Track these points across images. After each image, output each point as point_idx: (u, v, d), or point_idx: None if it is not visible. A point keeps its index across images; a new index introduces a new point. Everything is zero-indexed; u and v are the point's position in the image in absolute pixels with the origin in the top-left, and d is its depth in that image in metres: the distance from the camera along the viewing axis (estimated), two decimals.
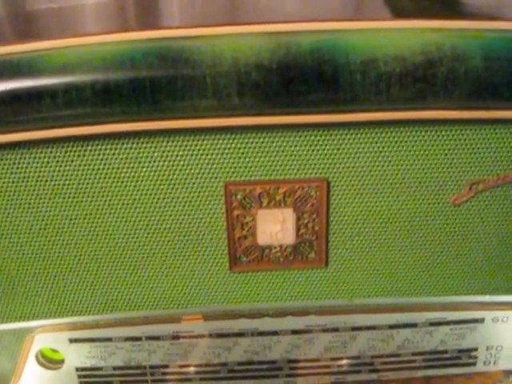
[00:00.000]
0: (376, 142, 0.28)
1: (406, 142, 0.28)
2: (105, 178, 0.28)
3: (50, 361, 0.34)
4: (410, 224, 0.30)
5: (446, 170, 0.29)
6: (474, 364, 0.35)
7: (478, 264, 0.32)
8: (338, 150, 0.28)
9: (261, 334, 0.33)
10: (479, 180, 0.29)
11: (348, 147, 0.28)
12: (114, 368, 0.34)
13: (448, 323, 0.33)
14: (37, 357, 0.33)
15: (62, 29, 0.37)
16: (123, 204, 0.29)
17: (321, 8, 0.34)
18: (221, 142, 0.28)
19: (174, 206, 0.29)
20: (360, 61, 0.25)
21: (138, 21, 0.38)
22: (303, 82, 0.25)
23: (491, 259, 0.32)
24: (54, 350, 0.33)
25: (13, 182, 0.28)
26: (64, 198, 0.28)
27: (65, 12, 0.41)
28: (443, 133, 0.28)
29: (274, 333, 0.33)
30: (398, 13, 0.32)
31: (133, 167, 0.28)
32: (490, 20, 0.27)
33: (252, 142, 0.28)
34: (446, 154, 0.29)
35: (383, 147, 0.28)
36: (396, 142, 0.28)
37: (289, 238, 0.30)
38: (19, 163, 0.28)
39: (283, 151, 0.28)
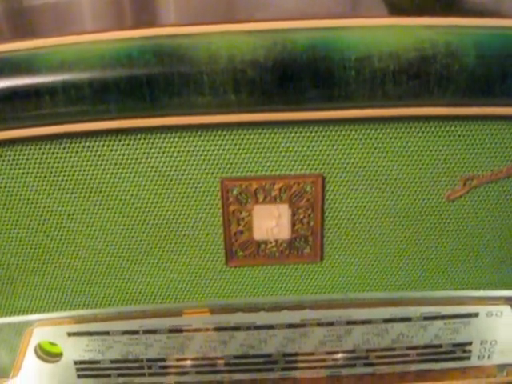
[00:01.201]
0: (370, 139, 0.28)
1: (400, 138, 0.28)
2: (102, 174, 0.28)
3: (48, 354, 0.34)
4: (405, 219, 0.31)
5: (440, 166, 0.29)
6: (469, 358, 0.35)
7: (473, 259, 0.32)
8: (333, 146, 0.28)
9: (257, 327, 0.33)
10: (473, 175, 0.29)
11: (343, 143, 0.28)
12: (112, 361, 0.34)
13: (442, 317, 0.34)
14: (35, 350, 0.33)
15: (60, 24, 0.37)
16: (120, 200, 0.29)
17: (316, 5, 0.34)
18: (217, 138, 0.28)
19: (171, 202, 0.29)
20: (354, 57, 0.25)
21: (134, 16, 0.38)
22: (298, 78, 0.25)
23: (485, 254, 0.32)
24: (52, 344, 0.34)
25: (12, 178, 0.28)
26: (62, 193, 0.29)
27: (62, 7, 0.41)
28: (437, 129, 0.28)
29: (270, 327, 0.33)
30: (393, 10, 0.32)
31: (130, 163, 0.28)
32: (484, 17, 0.27)
33: (248, 139, 0.28)
34: (441, 150, 0.29)
35: (378, 143, 0.28)
36: (390, 138, 0.28)
37: (284, 233, 0.31)
38: (18, 159, 0.28)
39: (279, 147, 0.28)
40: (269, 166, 0.29)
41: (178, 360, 0.34)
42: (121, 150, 0.28)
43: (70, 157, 0.28)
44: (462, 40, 0.25)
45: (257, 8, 0.35)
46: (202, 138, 0.28)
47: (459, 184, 0.30)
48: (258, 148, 0.28)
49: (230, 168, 0.29)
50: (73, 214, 0.29)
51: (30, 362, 0.34)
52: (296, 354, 0.34)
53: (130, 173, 0.28)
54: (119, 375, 0.34)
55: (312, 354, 0.34)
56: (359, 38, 0.25)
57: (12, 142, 0.27)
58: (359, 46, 0.25)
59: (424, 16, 0.27)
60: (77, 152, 0.28)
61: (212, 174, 0.29)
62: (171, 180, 0.29)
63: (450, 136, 0.29)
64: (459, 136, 0.29)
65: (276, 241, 0.31)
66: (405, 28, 0.26)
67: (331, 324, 0.33)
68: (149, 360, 0.34)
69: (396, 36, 0.25)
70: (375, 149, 0.29)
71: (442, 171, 0.29)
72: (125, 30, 0.26)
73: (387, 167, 0.29)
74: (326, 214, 0.30)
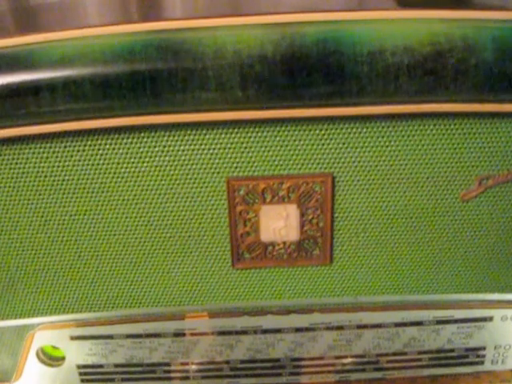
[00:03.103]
0: (383, 136, 0.27)
1: (413, 135, 0.28)
2: (105, 173, 0.28)
3: (50, 358, 0.34)
4: (417, 220, 0.30)
5: (454, 165, 0.28)
6: (482, 363, 0.34)
7: (487, 261, 0.31)
8: (344, 144, 0.28)
9: (264, 331, 0.32)
10: (489, 175, 0.29)
11: (354, 141, 0.28)
12: (116, 365, 0.33)
13: (455, 321, 0.33)
14: (37, 354, 0.33)
15: (65, 23, 0.37)
16: (124, 200, 0.28)
17: (322, 2, 0.33)
18: (223, 136, 0.27)
19: (176, 202, 0.29)
20: (367, 52, 0.24)
21: (140, 12, 0.37)
22: (308, 74, 0.24)
23: (500, 256, 0.31)
24: (54, 347, 0.33)
25: (12, 178, 0.28)
26: (64, 193, 0.28)
27: (67, 6, 0.41)
28: (452, 126, 0.27)
29: (278, 331, 0.33)
30: (406, 2, 0.31)
31: (133, 162, 0.27)
32: (502, 10, 0.26)
33: (255, 136, 0.27)
34: (455, 149, 0.28)
35: (390, 141, 0.28)
36: (403, 135, 0.28)
37: (293, 235, 0.30)
38: (18, 158, 0.27)
39: (287, 145, 0.28)
40: (276, 165, 0.28)
41: (183, 364, 0.33)
42: (123, 148, 0.27)
43: (72, 156, 0.27)
44: (479, 34, 0.24)
45: (263, 5, 0.34)
46: (207, 135, 0.27)
47: (474, 184, 0.29)
48: (266, 146, 0.27)
49: (236, 167, 0.28)
50: (74, 215, 0.29)
51: (32, 365, 0.33)
52: (304, 359, 0.34)
53: (133, 172, 0.28)
54: (123, 380, 0.34)
55: (321, 358, 0.34)
56: (372, 31, 0.24)
57: (11, 140, 0.27)
58: (372, 39, 0.24)
59: (439, 8, 0.26)
60: (78, 151, 0.27)
61: (218, 173, 0.28)
62: (175, 180, 0.28)
63: (465, 134, 0.28)
64: (475, 134, 0.28)
65: (284, 242, 0.30)
66: (419, 21, 0.25)
67: (341, 328, 0.33)
68: (153, 364, 0.33)
69: (410, 29, 0.25)
70: (387, 147, 0.28)
71: (456, 170, 0.28)
72: (127, 24, 0.25)
73: (399, 166, 0.28)
74: (336, 215, 0.29)
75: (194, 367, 0.34)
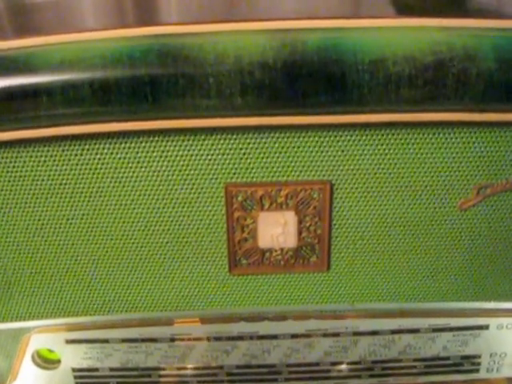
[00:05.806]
0: (382, 144, 0.27)
1: (412, 144, 0.27)
2: (102, 177, 0.27)
3: (46, 361, 0.33)
4: (415, 228, 0.30)
5: (453, 174, 0.28)
6: (477, 371, 0.34)
7: (484, 270, 0.31)
8: (343, 151, 0.27)
9: (260, 337, 0.32)
10: (487, 184, 0.29)
11: (353, 149, 0.27)
12: (111, 369, 0.33)
13: (451, 329, 0.33)
14: (33, 357, 0.33)
15: (61, 22, 0.36)
16: (121, 205, 0.28)
17: (324, 4, 0.33)
18: (222, 142, 0.27)
19: (173, 208, 0.28)
20: (368, 60, 0.24)
21: (137, 14, 0.37)
22: (309, 81, 0.24)
23: (497, 265, 0.31)
24: (50, 350, 0.33)
25: (9, 181, 0.27)
26: (61, 197, 0.28)
27: (63, 5, 0.40)
28: (451, 135, 0.27)
29: (274, 337, 0.32)
30: (407, 10, 0.31)
31: (131, 167, 0.27)
32: (503, 19, 0.26)
33: (254, 143, 0.27)
34: (454, 157, 0.28)
35: (389, 149, 0.28)
36: (403, 144, 0.27)
37: (290, 241, 0.30)
38: (15, 162, 0.27)
39: (286, 152, 0.27)
40: (275, 172, 0.28)
41: (178, 369, 0.33)
42: (122, 153, 0.27)
43: (69, 160, 0.27)
44: (481, 43, 0.24)
45: (257, 9, 0.34)
46: (206, 141, 0.27)
47: (472, 193, 0.29)
48: (265, 153, 0.27)
49: (234, 173, 0.28)
50: (71, 219, 0.29)
51: (28, 368, 0.33)
52: (300, 365, 0.34)
53: (131, 177, 0.28)
54: (118, 383, 0.34)
55: (316, 364, 0.34)
56: (373, 39, 0.24)
57: (9, 144, 0.26)
58: (373, 48, 0.24)
59: (440, 17, 0.25)
60: (76, 155, 0.27)
61: (216, 179, 0.28)
62: (174, 185, 0.28)
63: (464, 143, 0.28)
64: (473, 143, 0.28)
65: (281, 249, 0.30)
66: (420, 30, 0.25)
67: (337, 335, 0.33)
68: (149, 369, 0.33)
69: (411, 38, 0.24)
70: (386, 155, 0.28)
71: (454, 179, 0.28)
72: (127, 28, 0.25)
73: (398, 174, 0.28)
74: (334, 222, 0.29)
75: (189, 372, 0.33)
